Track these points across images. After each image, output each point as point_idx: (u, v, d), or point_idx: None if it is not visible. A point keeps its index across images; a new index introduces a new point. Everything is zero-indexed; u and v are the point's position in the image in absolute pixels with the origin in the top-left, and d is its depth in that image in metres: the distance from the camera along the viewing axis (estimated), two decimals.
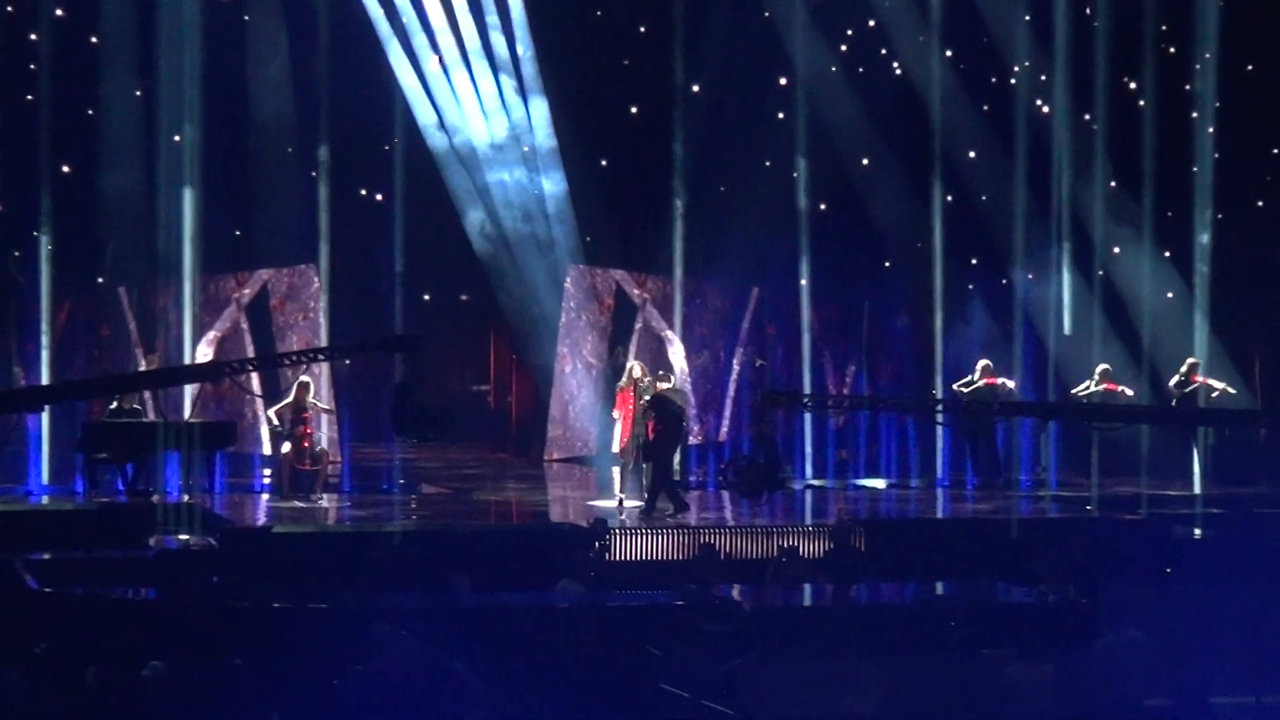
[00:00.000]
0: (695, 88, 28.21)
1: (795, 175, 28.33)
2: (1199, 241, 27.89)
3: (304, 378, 22.09)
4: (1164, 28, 28.20)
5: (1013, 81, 28.77)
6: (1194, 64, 28.05)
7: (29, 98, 25.58)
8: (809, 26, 28.28)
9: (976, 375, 24.66)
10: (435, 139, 28.10)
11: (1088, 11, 28.17)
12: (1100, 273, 28.30)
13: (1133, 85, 28.60)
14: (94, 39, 26.14)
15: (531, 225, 28.41)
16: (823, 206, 28.91)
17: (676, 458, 22.76)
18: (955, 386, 25.04)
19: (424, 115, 27.99)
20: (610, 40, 29.06)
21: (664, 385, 21.49)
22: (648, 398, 21.20)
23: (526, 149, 28.32)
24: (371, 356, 22.17)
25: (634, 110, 29.05)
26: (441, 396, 22.04)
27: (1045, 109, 28.75)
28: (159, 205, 25.39)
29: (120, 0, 25.98)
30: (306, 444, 22.04)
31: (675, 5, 27.68)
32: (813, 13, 28.29)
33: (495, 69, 28.09)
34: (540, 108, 28.26)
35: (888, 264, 29.78)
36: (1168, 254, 28.65)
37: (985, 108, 28.83)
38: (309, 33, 26.98)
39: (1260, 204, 29.29)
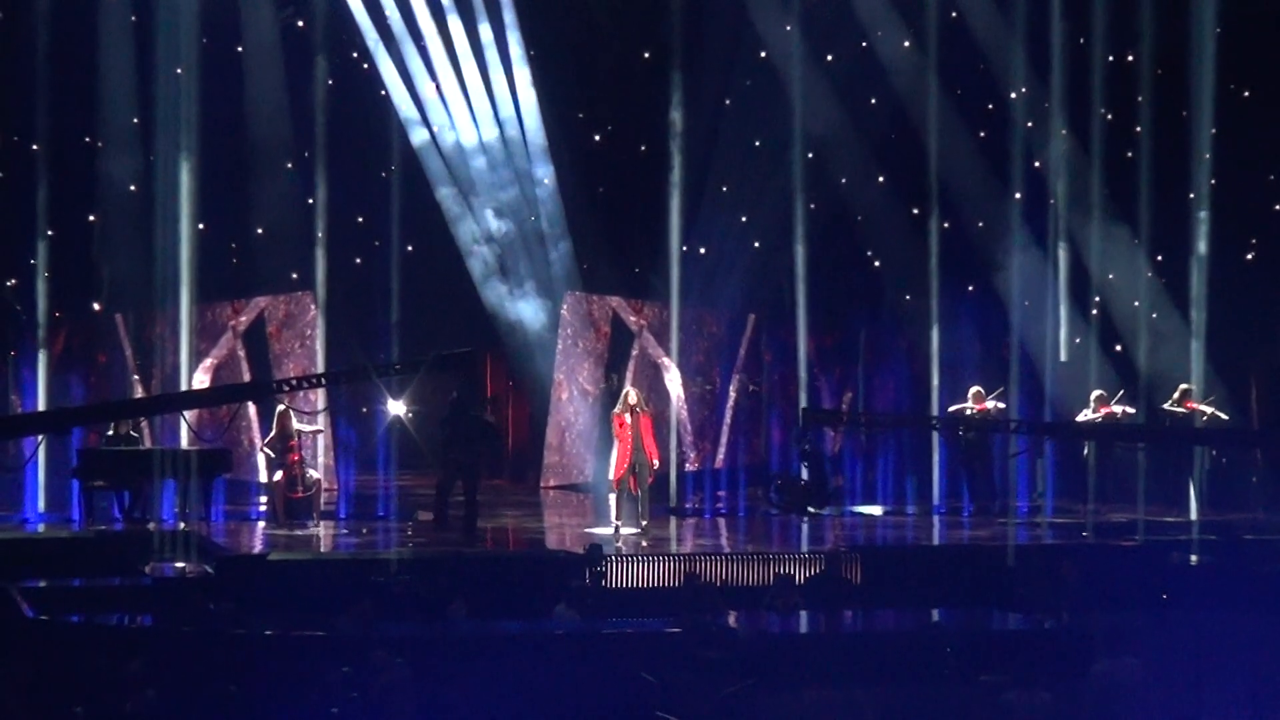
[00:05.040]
0: (693, 115, 28.22)
1: (791, 201, 28.36)
2: (1195, 264, 27.87)
3: (281, 406, 22.08)
4: (1161, 54, 28.22)
5: (1009, 108, 28.81)
6: (1191, 90, 28.05)
7: (26, 125, 25.64)
8: (805, 54, 28.33)
9: (969, 401, 24.66)
10: (431, 161, 28.15)
11: (1082, 41, 28.20)
12: (1096, 298, 28.34)
13: (1129, 111, 28.62)
14: (90, 67, 26.15)
15: (529, 251, 28.44)
16: (819, 233, 28.92)
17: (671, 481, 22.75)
18: (950, 410, 24.95)
19: (420, 136, 28.09)
20: (608, 69, 29.10)
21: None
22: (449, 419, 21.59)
23: (523, 172, 28.36)
24: (429, 375, 22.07)
25: (632, 137, 29.07)
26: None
27: (1041, 135, 28.77)
28: (156, 232, 25.37)
29: (117, 29, 26.05)
30: (297, 472, 22.06)
31: (673, 35, 27.71)
32: (808, 40, 28.37)
33: (492, 93, 28.15)
34: (538, 133, 28.30)
35: (883, 290, 29.81)
36: (1163, 280, 28.66)
37: (981, 134, 28.87)
38: (306, 61, 27.02)
39: (1256, 229, 29.30)
